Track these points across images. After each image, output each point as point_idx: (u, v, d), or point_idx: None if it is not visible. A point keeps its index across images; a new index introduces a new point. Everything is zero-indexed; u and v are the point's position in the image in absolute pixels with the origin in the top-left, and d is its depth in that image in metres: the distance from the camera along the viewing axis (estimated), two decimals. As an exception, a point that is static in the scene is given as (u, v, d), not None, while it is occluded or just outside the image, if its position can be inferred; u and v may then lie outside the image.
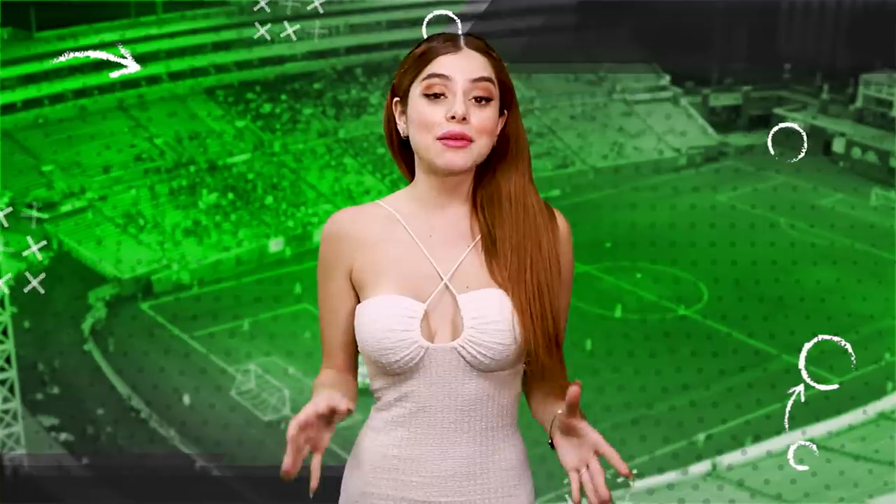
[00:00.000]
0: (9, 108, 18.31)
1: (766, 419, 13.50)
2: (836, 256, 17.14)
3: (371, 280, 1.92)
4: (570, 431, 1.83)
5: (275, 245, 17.68)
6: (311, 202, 18.62)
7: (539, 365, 1.90)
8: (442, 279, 1.90)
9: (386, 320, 1.87)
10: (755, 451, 12.74)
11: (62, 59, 10.62)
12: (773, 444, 12.73)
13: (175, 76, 20.00)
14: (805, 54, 22.82)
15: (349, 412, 1.79)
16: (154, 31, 19.77)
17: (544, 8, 22.00)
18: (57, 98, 18.69)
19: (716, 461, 12.56)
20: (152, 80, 19.66)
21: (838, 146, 21.42)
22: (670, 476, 12.56)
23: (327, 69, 21.27)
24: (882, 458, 12.61)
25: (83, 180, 17.56)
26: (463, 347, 1.88)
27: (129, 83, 19.46)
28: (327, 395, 1.80)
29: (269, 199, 18.39)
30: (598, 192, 19.44)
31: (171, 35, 19.93)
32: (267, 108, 20.25)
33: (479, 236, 1.93)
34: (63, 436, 12.67)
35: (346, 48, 21.45)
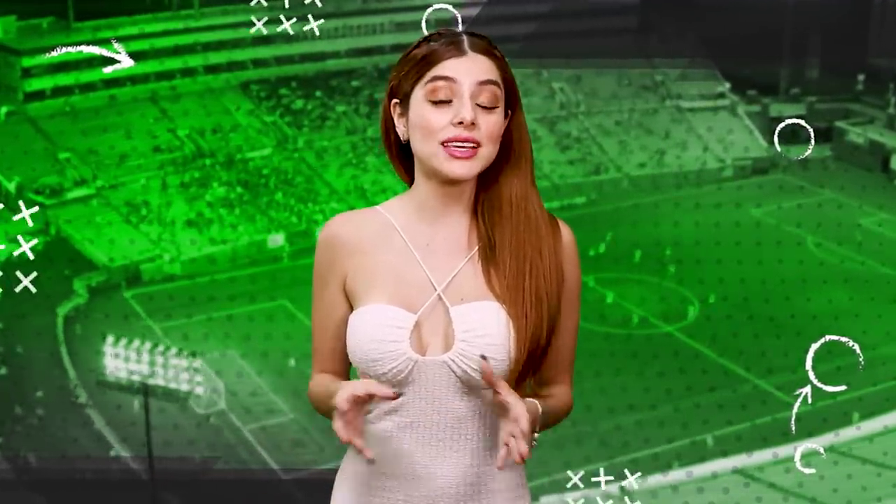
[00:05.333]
0: (37, 96, 18.72)
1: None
2: (852, 277, 16.00)
3: (363, 289, 1.88)
4: (502, 410, 1.78)
5: (274, 241, 17.54)
6: (323, 199, 18.41)
7: (520, 377, 1.85)
8: (435, 290, 1.85)
9: (374, 331, 1.83)
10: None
11: (55, 53, 10.67)
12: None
13: (212, 69, 20.08)
14: (883, 64, 21.41)
15: (396, 396, 1.81)
16: (193, 23, 19.89)
17: (604, 9, 21.28)
18: (87, 87, 19.00)
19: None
20: (187, 72, 19.78)
21: (896, 163, 20.09)
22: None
23: (369, 67, 21.03)
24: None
25: (97, 169, 17.77)
26: (453, 361, 1.84)
27: (164, 75, 19.65)
28: (364, 382, 1.82)
29: (280, 195, 18.26)
30: (627, 200, 18.68)
31: (211, 28, 20.03)
32: (299, 104, 20.15)
33: (479, 245, 1.89)
34: (-13, 415, 12.73)
35: (390, 46, 21.17)
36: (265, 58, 20.54)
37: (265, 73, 20.48)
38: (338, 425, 1.76)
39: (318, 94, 20.31)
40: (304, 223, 17.88)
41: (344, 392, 1.75)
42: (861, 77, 21.71)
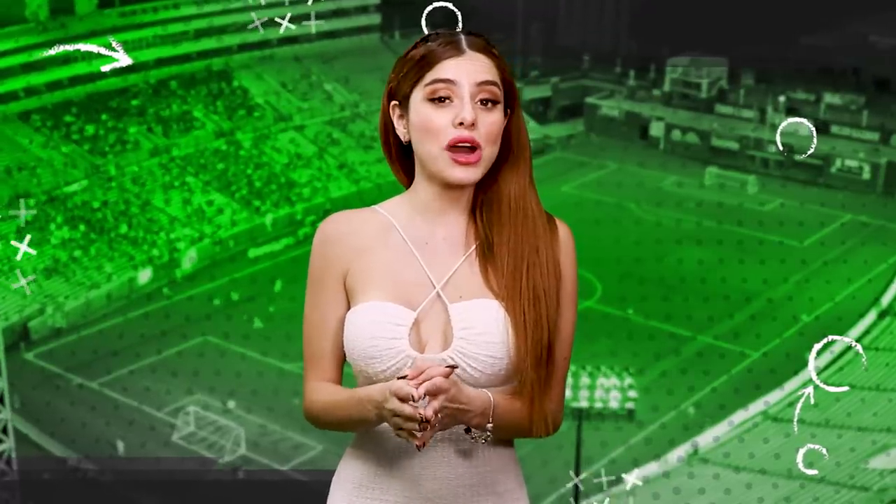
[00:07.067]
0: None
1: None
2: (699, 236, 17.75)
3: (361, 286, 1.83)
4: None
5: (144, 276, 16.50)
6: (168, 227, 17.48)
7: (524, 377, 1.78)
8: (434, 287, 1.81)
9: (372, 328, 1.78)
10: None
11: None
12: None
13: (-15, 102, 18.27)
14: (601, 44, 23.50)
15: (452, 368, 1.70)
16: (-46, 55, 17.98)
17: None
18: None
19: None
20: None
21: (656, 130, 22.24)
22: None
23: (141, 84, 20.04)
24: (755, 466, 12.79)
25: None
26: (452, 359, 1.77)
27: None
28: (399, 382, 1.67)
29: (124, 228, 17.12)
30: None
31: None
32: (90, 129, 18.82)
33: (476, 244, 1.84)
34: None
35: (155, 60, 20.28)
36: (37, 85, 18.95)
37: (40, 102, 18.86)
38: (420, 432, 1.67)
39: (103, 117, 19.03)
40: (165, 254, 16.90)
41: (401, 394, 1.67)
42: (586, 57, 23.77)
